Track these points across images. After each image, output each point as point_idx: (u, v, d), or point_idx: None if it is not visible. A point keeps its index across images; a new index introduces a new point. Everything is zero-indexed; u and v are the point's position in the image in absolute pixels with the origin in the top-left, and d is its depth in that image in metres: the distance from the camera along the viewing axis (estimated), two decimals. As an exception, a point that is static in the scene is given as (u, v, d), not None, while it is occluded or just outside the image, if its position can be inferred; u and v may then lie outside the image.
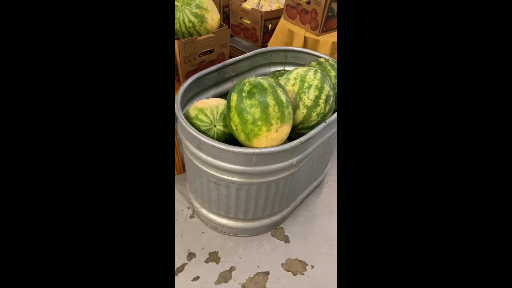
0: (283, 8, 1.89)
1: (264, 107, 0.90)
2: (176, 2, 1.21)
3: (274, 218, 1.32)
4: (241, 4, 1.90)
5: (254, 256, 1.29)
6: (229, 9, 1.97)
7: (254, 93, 0.90)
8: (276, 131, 0.93)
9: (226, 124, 1.07)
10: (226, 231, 1.34)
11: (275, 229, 1.40)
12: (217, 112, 1.07)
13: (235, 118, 0.93)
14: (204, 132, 1.06)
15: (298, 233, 1.39)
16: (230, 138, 1.10)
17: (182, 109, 1.12)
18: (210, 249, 1.30)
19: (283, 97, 0.94)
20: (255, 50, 1.45)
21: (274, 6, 1.86)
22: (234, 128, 0.96)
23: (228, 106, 0.96)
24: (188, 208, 1.45)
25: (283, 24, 1.63)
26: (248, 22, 1.89)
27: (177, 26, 1.23)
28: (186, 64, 1.29)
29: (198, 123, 1.05)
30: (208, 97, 1.36)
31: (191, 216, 1.42)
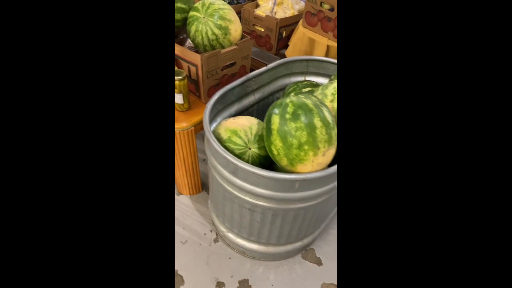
0: (298, 15, 1.82)
1: (311, 129, 0.82)
2: (197, 14, 1.13)
3: (306, 241, 1.24)
4: (253, 11, 1.82)
5: (287, 282, 1.21)
6: (240, 16, 1.89)
7: (299, 114, 0.82)
8: (324, 155, 0.85)
9: (261, 146, 0.99)
10: (255, 256, 1.26)
11: (306, 250, 1.32)
12: (251, 133, 0.99)
13: (277, 143, 0.85)
14: (238, 156, 0.97)
15: (330, 254, 1.31)
16: (264, 161, 1.01)
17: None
18: (240, 276, 1.21)
19: (329, 118, 0.86)
20: (277, 61, 1.37)
21: (289, 13, 1.78)
22: (275, 152, 0.87)
23: (268, 129, 0.87)
24: (211, 231, 1.36)
25: (303, 32, 1.56)
26: (262, 29, 1.81)
27: (199, 39, 1.14)
28: (208, 79, 1.20)
29: (232, 146, 0.97)
30: (231, 113, 1.27)
31: (215, 240, 1.33)
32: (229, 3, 1.90)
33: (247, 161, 0.98)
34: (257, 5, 1.93)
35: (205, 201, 1.49)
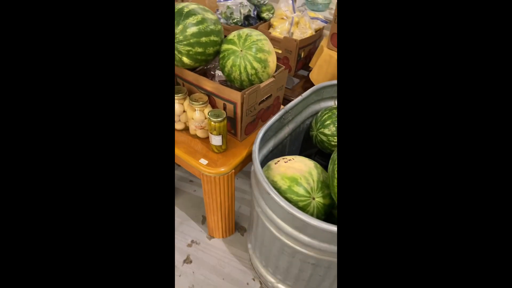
0: (316, 34, 1.74)
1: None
2: (233, 47, 1.02)
3: (363, 284, 1.13)
4: (270, 33, 1.73)
5: (348, 334, 1.09)
6: (254, 38, 1.79)
7: (381, 164, 0.72)
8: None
9: (325, 194, 0.88)
10: (309, 307, 1.14)
11: (359, 293, 1.21)
12: (313, 180, 0.88)
13: (357, 196, 0.75)
14: (302, 208, 0.86)
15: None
16: (328, 210, 0.91)
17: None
18: (295, 332, 1.09)
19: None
20: (310, 89, 1.29)
21: (308, 33, 1.70)
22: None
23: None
24: (253, 280, 1.23)
25: (329, 54, 1.47)
26: (280, 51, 1.72)
27: (235, 74, 1.04)
28: (247, 117, 1.09)
29: (295, 197, 0.85)
30: (269, 149, 1.17)
31: (260, 290, 1.20)
32: (241, 25, 1.81)
33: (312, 213, 0.88)
34: (270, 26, 1.84)
35: (240, 243, 1.36)
